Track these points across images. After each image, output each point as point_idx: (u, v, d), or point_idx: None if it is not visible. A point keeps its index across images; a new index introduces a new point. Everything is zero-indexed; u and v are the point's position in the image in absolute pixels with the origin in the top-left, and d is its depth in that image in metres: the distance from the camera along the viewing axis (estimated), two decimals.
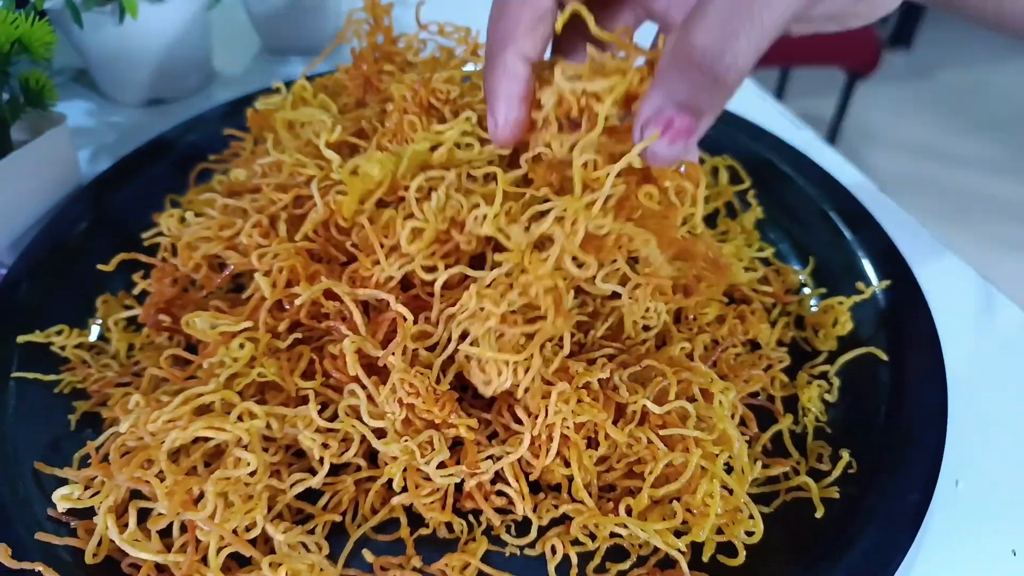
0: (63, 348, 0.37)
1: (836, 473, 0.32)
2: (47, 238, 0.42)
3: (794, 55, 1.95)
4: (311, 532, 0.31)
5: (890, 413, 0.34)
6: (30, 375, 0.36)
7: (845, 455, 0.32)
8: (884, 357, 0.36)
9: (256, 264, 0.33)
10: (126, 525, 0.28)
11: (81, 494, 0.29)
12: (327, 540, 0.31)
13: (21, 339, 0.37)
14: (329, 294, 0.33)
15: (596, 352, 0.35)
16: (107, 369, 0.37)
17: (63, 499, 0.29)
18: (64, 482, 0.31)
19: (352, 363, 0.31)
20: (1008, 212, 1.85)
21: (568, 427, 0.30)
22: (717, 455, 0.30)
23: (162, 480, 0.28)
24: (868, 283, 0.39)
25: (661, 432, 0.30)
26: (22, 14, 0.41)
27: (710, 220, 0.45)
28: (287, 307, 0.33)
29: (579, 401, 0.30)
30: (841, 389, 0.36)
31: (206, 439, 0.30)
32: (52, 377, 0.36)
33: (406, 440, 0.30)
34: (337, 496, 0.32)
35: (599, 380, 0.32)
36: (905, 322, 0.37)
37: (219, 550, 0.28)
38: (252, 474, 0.29)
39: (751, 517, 0.30)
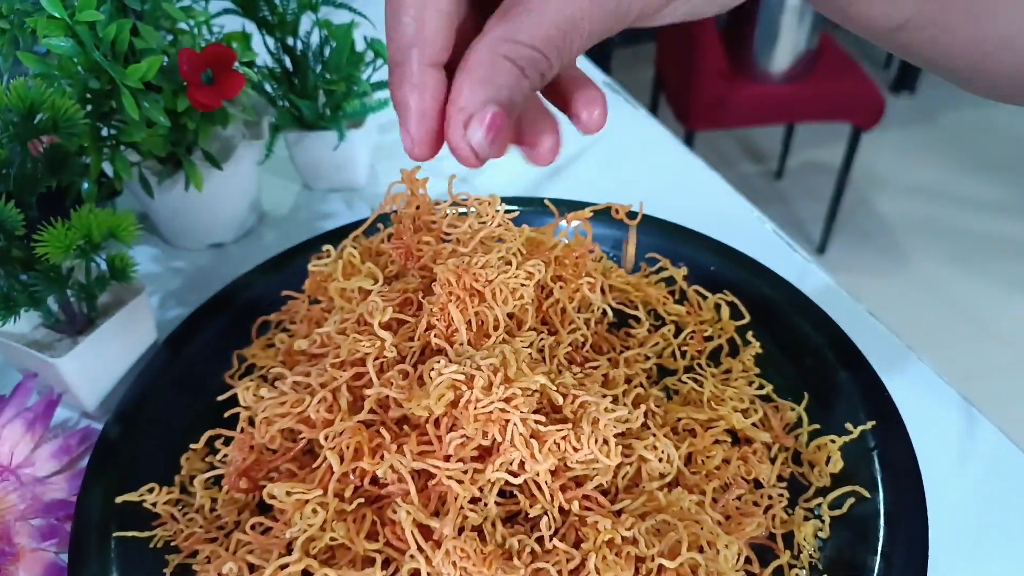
0: (154, 505, 0.43)
1: None
2: (133, 397, 0.48)
3: (800, 113, 2.02)
4: None
5: (876, 548, 0.39)
6: (129, 534, 0.41)
7: None
8: (867, 495, 0.41)
9: (323, 443, 0.39)
10: None
11: None
12: None
13: (119, 499, 0.43)
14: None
15: (620, 502, 0.40)
16: (193, 524, 0.42)
17: None
18: None
19: (409, 532, 0.36)
20: (1017, 252, 1.89)
21: None
22: None
23: None
24: (858, 421, 0.45)
25: None
26: (110, 206, 0.47)
27: (714, 356, 0.51)
28: (351, 475, 0.39)
29: (604, 558, 0.36)
30: (832, 525, 0.41)
31: None
32: (147, 534, 0.42)
33: None
34: None
35: (622, 536, 0.37)
36: (890, 460, 0.43)
37: None
38: None
39: None
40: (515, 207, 0.52)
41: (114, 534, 0.41)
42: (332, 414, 0.41)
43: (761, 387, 0.48)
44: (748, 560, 0.40)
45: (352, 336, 0.42)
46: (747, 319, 0.52)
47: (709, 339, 0.52)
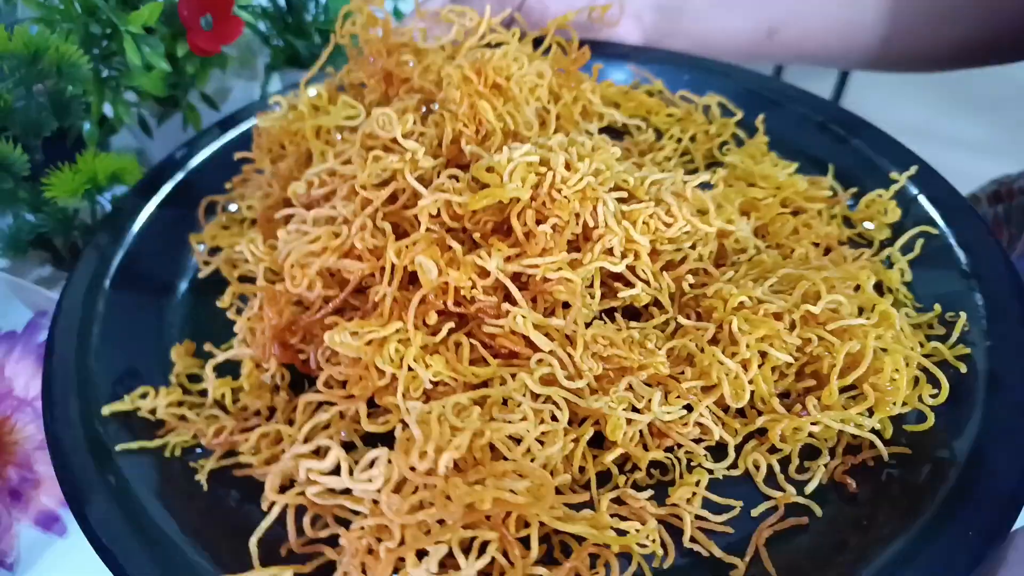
0: (153, 411, 0.33)
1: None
2: (78, 302, 0.37)
3: None
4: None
5: (964, 272, 0.38)
6: (135, 445, 0.31)
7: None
8: (934, 231, 0.40)
9: (395, 259, 0.31)
10: None
11: None
12: None
13: (106, 409, 0.32)
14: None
15: (723, 273, 0.36)
16: (215, 420, 0.33)
17: None
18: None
19: (535, 334, 0.30)
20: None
21: (749, 345, 0.31)
22: (882, 335, 0.32)
23: None
24: (888, 180, 0.43)
25: (828, 327, 0.32)
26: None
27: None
28: (431, 298, 0.32)
29: (746, 320, 0.32)
30: (912, 266, 0.40)
31: None
32: (158, 443, 0.32)
33: (613, 395, 0.30)
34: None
35: (751, 298, 0.33)
36: (938, 197, 0.42)
37: None
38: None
39: (931, 381, 0.32)
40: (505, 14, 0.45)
41: (117, 447, 0.31)
42: (380, 240, 0.33)
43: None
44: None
45: (372, 155, 0.35)
46: (740, 115, 0.50)
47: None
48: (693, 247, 0.36)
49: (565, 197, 0.32)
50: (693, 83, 0.52)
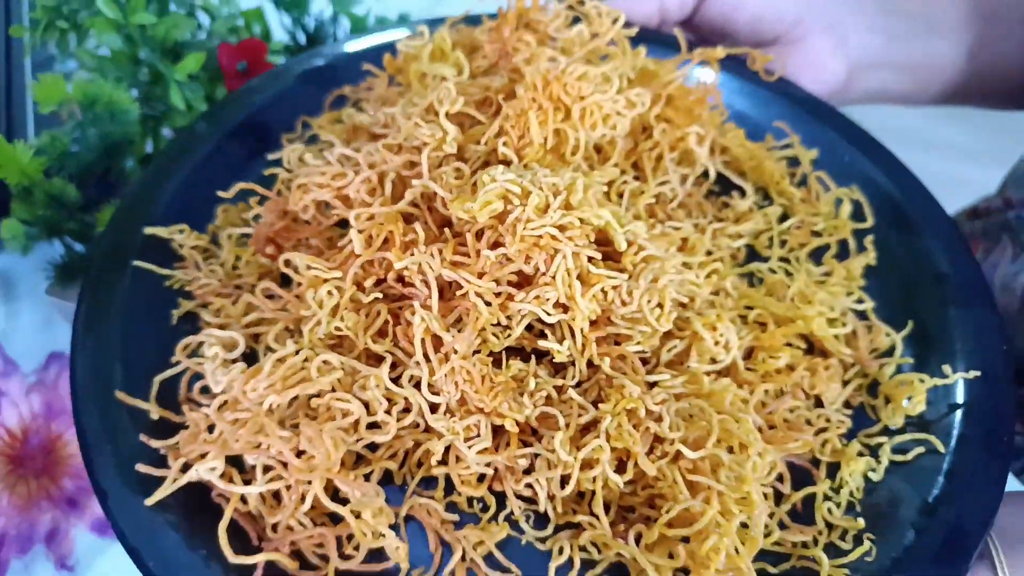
0: (181, 246, 0.41)
1: (852, 557, 0.32)
2: (186, 137, 0.45)
3: None
4: (367, 477, 0.34)
5: (930, 512, 0.34)
6: (147, 265, 0.40)
7: (867, 542, 0.33)
8: (942, 449, 0.35)
9: (354, 223, 0.35)
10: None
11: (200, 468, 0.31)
12: None
13: (148, 230, 0.41)
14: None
15: (657, 374, 0.35)
16: (213, 276, 0.40)
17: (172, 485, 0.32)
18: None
19: (419, 340, 0.33)
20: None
21: (601, 447, 0.31)
22: (735, 514, 0.30)
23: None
24: (957, 367, 0.38)
25: (689, 476, 0.31)
26: None
27: (817, 255, 0.44)
28: (376, 266, 0.35)
29: (619, 426, 0.32)
30: (889, 470, 0.36)
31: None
32: (166, 271, 0.40)
33: (454, 421, 0.32)
34: (392, 449, 0.35)
35: (646, 409, 0.33)
36: (978, 419, 0.36)
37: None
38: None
39: None
40: (636, 26, 0.44)
41: (132, 262, 0.39)
42: (372, 197, 0.37)
43: (860, 301, 0.42)
44: (780, 478, 0.35)
45: (414, 121, 0.38)
46: (869, 223, 0.45)
47: (818, 235, 0.45)
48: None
49: (521, 237, 0.33)
50: (846, 160, 0.47)
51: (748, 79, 0.50)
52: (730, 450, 0.32)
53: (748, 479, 0.31)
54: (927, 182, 0.45)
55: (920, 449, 0.36)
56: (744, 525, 0.31)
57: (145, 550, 0.31)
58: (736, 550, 0.30)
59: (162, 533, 0.31)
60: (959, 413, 0.37)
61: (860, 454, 0.36)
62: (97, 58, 0.47)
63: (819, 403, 0.38)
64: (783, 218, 0.45)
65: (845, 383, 0.39)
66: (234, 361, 0.35)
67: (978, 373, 0.37)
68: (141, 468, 0.32)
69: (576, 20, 0.45)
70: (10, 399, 0.48)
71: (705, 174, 0.44)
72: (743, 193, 0.45)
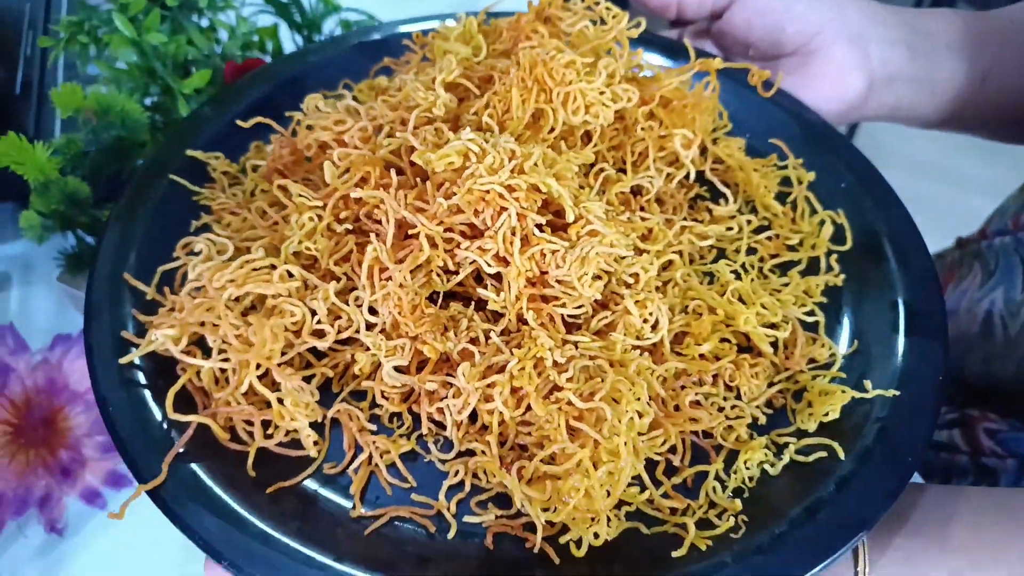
0: (215, 170, 0.48)
1: (718, 531, 0.34)
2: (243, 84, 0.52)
3: None
4: (308, 381, 0.39)
5: (811, 511, 0.35)
6: (180, 180, 0.46)
7: (737, 521, 0.34)
8: (841, 456, 0.36)
9: (335, 160, 0.40)
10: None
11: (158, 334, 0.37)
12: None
13: (189, 152, 0.47)
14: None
15: (577, 335, 0.38)
16: (233, 199, 0.46)
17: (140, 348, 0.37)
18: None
19: (366, 266, 0.37)
20: None
21: (501, 392, 0.35)
22: (604, 462, 0.33)
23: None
24: (887, 383, 0.39)
25: (572, 422, 0.34)
26: None
27: (784, 268, 0.46)
28: (353, 205, 0.40)
29: (522, 368, 0.35)
30: (787, 468, 0.37)
31: None
32: (196, 188, 0.46)
33: (381, 339, 0.37)
34: (335, 360, 0.39)
35: (553, 360, 0.36)
36: (890, 438, 0.37)
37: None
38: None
39: (608, 523, 0.33)
40: (640, 28, 0.47)
41: (169, 175, 0.46)
42: (364, 145, 0.42)
43: (812, 314, 0.43)
44: (673, 449, 0.37)
45: (414, 85, 0.43)
46: (847, 246, 0.46)
47: (793, 250, 0.46)
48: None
49: (469, 189, 0.37)
50: (844, 192, 0.48)
51: (765, 99, 0.52)
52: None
53: (622, 432, 0.33)
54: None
55: (822, 453, 0.37)
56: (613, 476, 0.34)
57: (112, 400, 0.37)
58: (593, 493, 0.33)
59: (129, 389, 0.37)
60: (874, 428, 0.38)
61: (766, 448, 0.38)
62: (114, 70, 0.54)
63: (740, 397, 0.40)
64: (763, 230, 0.47)
65: (772, 384, 0.40)
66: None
67: (897, 393, 0.38)
68: (124, 334, 0.38)
69: (603, 22, 0.49)
70: (17, 374, 0.54)
71: (689, 176, 0.47)
72: (725, 200, 0.47)
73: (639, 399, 0.35)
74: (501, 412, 0.35)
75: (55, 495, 0.50)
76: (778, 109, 0.52)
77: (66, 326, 0.58)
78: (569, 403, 0.35)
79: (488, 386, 0.35)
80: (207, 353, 0.37)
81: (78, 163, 0.52)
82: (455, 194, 0.38)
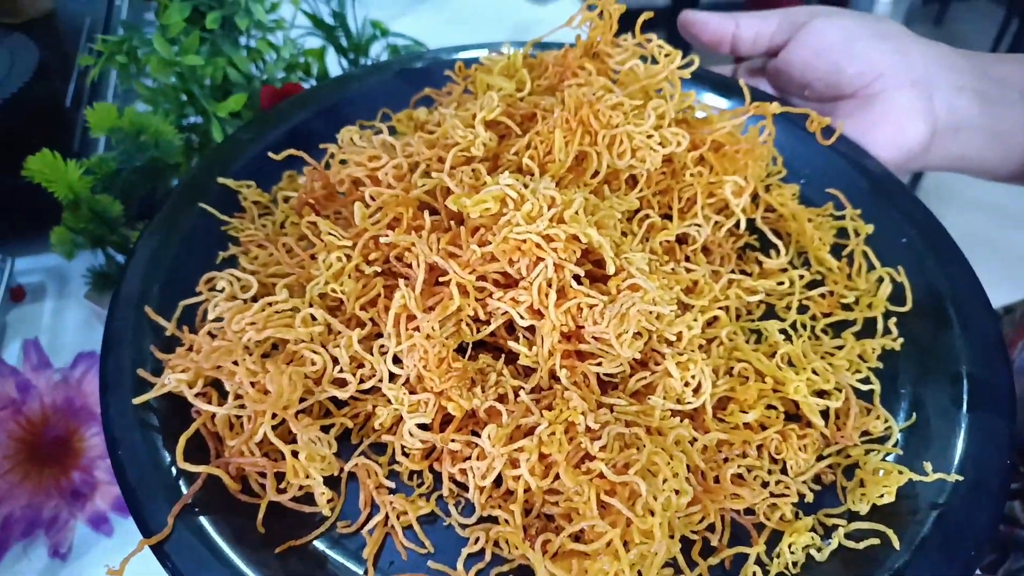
0: (245, 199, 0.46)
1: None
2: (276, 112, 0.51)
3: None
4: (326, 430, 0.37)
5: None
6: (210, 209, 0.45)
7: None
8: (897, 546, 0.33)
9: (366, 198, 0.38)
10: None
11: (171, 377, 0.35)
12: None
13: (220, 180, 0.46)
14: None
15: (612, 397, 0.36)
16: (262, 230, 0.45)
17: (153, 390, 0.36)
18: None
19: (393, 313, 0.35)
20: None
21: (528, 459, 0.32)
22: (636, 543, 0.31)
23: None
24: (947, 464, 0.36)
25: (603, 496, 0.32)
26: None
27: (838, 329, 0.43)
28: (385, 247, 0.38)
29: (552, 434, 0.33)
30: (836, 554, 0.34)
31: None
32: (225, 218, 0.45)
33: (404, 393, 0.35)
34: (356, 410, 0.38)
35: (586, 425, 0.33)
36: (947, 529, 0.34)
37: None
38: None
39: None
40: (693, 68, 0.45)
41: (199, 203, 0.45)
42: (398, 183, 0.40)
43: (867, 381, 0.40)
44: (711, 528, 0.34)
45: (453, 122, 0.41)
46: (907, 307, 0.43)
47: (848, 308, 0.43)
48: None
49: (504, 238, 0.35)
50: (905, 247, 0.45)
51: (827, 145, 0.49)
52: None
53: (657, 511, 0.31)
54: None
55: (875, 540, 0.34)
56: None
57: (122, 441, 0.35)
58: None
59: (139, 430, 0.35)
60: (932, 515, 0.34)
61: (812, 530, 0.35)
62: (151, 90, 0.54)
63: (785, 472, 0.37)
64: (816, 285, 0.44)
65: (822, 458, 0.37)
66: (246, 302, 0.39)
67: (960, 477, 0.35)
68: (141, 373, 0.37)
69: (645, 59, 0.46)
70: (37, 391, 0.53)
71: (739, 225, 0.44)
72: (777, 251, 0.45)
73: (677, 475, 0.32)
74: (527, 480, 0.32)
75: (63, 517, 0.49)
76: (836, 155, 0.49)
77: (91, 343, 0.57)
78: (601, 475, 0.32)
79: (515, 451, 0.33)
80: (225, 395, 0.36)
81: (110, 182, 0.52)
82: (489, 242, 0.36)
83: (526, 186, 0.36)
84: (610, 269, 0.37)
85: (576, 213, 0.36)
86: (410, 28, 0.62)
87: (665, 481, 0.32)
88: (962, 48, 0.51)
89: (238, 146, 0.49)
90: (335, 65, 0.62)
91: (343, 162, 0.42)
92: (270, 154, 0.46)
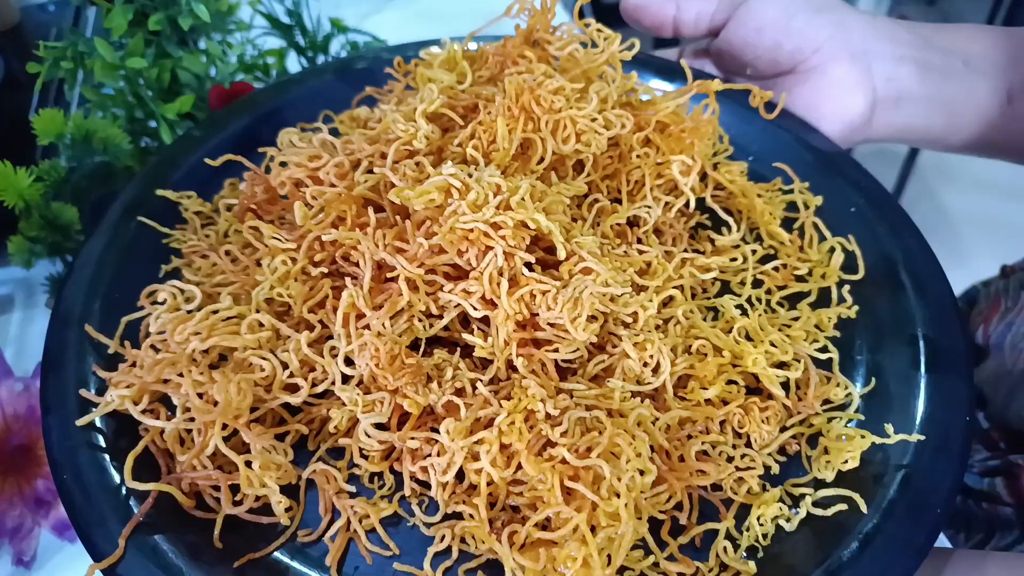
0: (186, 209, 0.45)
1: None
2: (212, 120, 0.49)
3: None
4: (281, 439, 0.36)
5: (833, 572, 0.32)
6: (149, 222, 0.43)
7: None
8: (864, 510, 0.33)
9: (308, 199, 0.37)
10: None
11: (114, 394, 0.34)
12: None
13: (159, 192, 0.45)
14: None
15: (572, 382, 0.36)
16: (205, 240, 0.44)
17: (97, 410, 0.34)
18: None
19: (341, 313, 0.35)
20: None
21: (489, 451, 0.32)
22: (603, 527, 0.30)
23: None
24: (909, 426, 0.36)
25: (567, 482, 0.31)
26: None
27: (793, 301, 0.43)
28: (330, 246, 0.38)
29: (512, 423, 0.32)
30: (804, 522, 0.34)
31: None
32: (166, 230, 0.44)
33: (358, 393, 0.34)
34: (310, 415, 0.36)
35: (546, 412, 0.33)
36: (915, 489, 0.34)
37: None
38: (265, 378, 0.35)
39: None
40: (635, 51, 0.45)
41: (138, 217, 0.43)
42: (341, 181, 0.39)
43: (825, 350, 0.40)
44: (679, 506, 0.34)
45: (393, 117, 0.40)
46: (860, 275, 0.43)
47: (802, 280, 0.43)
48: None
49: (451, 228, 0.34)
50: (854, 217, 0.45)
51: (769, 121, 0.49)
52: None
53: (623, 494, 0.30)
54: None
55: (842, 506, 0.34)
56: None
57: (66, 464, 0.34)
58: (591, 563, 0.30)
59: (84, 452, 0.34)
60: (897, 476, 0.34)
61: (781, 500, 0.35)
62: (99, 95, 0.53)
63: (750, 444, 0.37)
64: (769, 259, 0.44)
65: (785, 429, 0.37)
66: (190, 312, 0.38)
67: (922, 437, 0.35)
68: (83, 393, 0.35)
69: (588, 44, 0.46)
70: None
71: (688, 205, 0.44)
72: (728, 228, 0.45)
73: (640, 455, 0.32)
74: (489, 473, 0.32)
75: (27, 525, 0.47)
76: (780, 130, 0.49)
77: None
78: (563, 461, 0.32)
79: (475, 443, 0.32)
80: (173, 411, 0.34)
81: (61, 189, 0.50)
82: (436, 234, 0.35)
83: (470, 175, 0.36)
84: (561, 254, 0.36)
85: (523, 199, 0.35)
86: (382, 25, 0.61)
87: (628, 462, 0.31)
88: None
89: (176, 156, 0.47)
90: (296, 65, 0.61)
91: (283, 164, 0.41)
92: (207, 160, 0.45)
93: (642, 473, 0.31)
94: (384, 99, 0.50)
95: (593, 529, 0.30)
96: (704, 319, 0.40)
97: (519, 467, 0.32)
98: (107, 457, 0.34)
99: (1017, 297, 0.53)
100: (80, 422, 0.34)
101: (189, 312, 0.37)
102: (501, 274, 0.35)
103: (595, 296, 0.35)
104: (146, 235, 0.43)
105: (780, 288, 0.43)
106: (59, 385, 0.36)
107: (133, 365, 0.35)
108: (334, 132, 0.50)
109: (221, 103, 0.51)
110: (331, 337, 0.37)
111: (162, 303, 0.37)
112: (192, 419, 0.33)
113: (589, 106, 0.40)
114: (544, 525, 0.31)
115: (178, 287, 0.38)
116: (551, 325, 0.35)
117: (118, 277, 0.41)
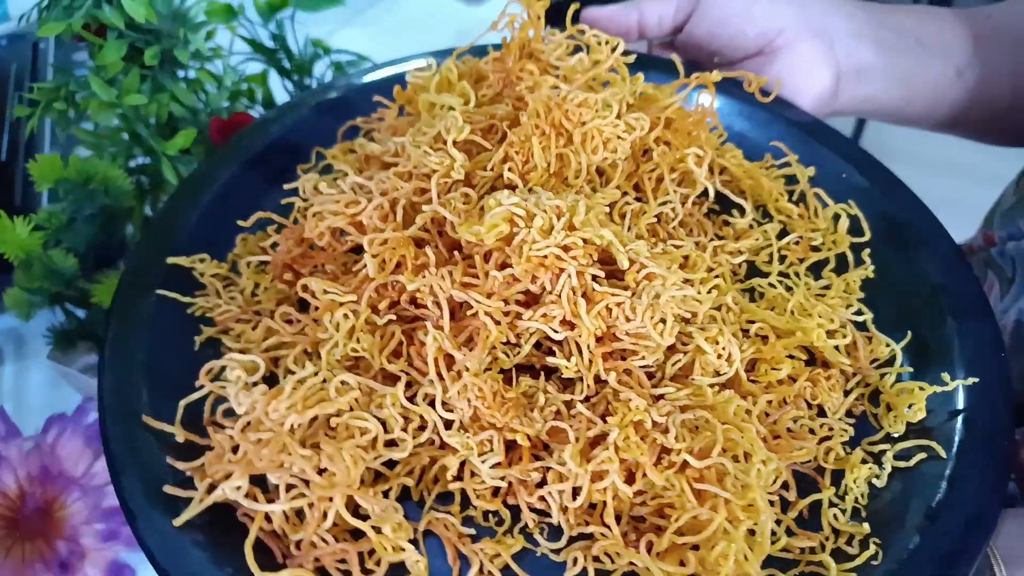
0: (202, 274, 0.43)
1: (859, 561, 0.33)
2: (205, 172, 0.47)
3: None
4: (385, 494, 0.35)
5: (933, 517, 0.34)
6: (171, 294, 0.41)
7: (873, 546, 0.33)
8: (943, 455, 0.36)
9: (367, 248, 0.36)
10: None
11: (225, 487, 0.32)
12: None
13: (170, 260, 0.42)
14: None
15: (662, 387, 0.37)
16: (233, 302, 0.42)
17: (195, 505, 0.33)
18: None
19: (431, 359, 0.34)
20: None
21: (611, 459, 0.33)
22: (742, 520, 0.31)
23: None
24: (956, 375, 0.39)
25: (696, 485, 0.32)
26: None
27: (816, 269, 0.45)
28: (389, 289, 0.37)
29: (626, 438, 0.33)
30: (892, 476, 0.37)
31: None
32: (188, 299, 0.41)
33: (467, 437, 0.34)
34: (409, 466, 0.36)
35: (652, 421, 0.34)
36: (977, 426, 0.37)
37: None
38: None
39: None
40: (634, 53, 0.46)
41: (156, 291, 0.41)
42: (385, 223, 0.38)
43: (860, 312, 0.43)
44: (785, 486, 0.36)
45: (423, 149, 0.39)
46: (867, 237, 0.46)
47: (816, 250, 0.46)
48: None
49: (527, 257, 0.35)
50: (846, 183, 0.48)
51: (746, 101, 0.51)
52: (735, 459, 0.33)
53: (754, 486, 0.32)
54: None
55: (922, 455, 0.37)
56: (751, 532, 0.32)
57: (174, 570, 0.32)
58: (744, 556, 0.31)
59: (190, 553, 0.32)
60: (959, 420, 0.38)
61: (864, 461, 0.37)
62: (95, 135, 0.50)
63: (822, 412, 0.39)
64: (782, 234, 0.47)
65: (847, 393, 0.40)
66: (255, 384, 0.36)
67: (976, 380, 0.38)
68: (169, 490, 0.33)
69: (577, 49, 0.47)
70: (9, 463, 0.48)
71: (705, 193, 0.45)
72: (743, 211, 0.47)
73: (753, 445, 0.33)
74: (619, 490, 0.33)
75: None
76: (759, 110, 0.52)
77: (59, 405, 0.52)
78: (686, 464, 0.33)
79: (599, 464, 0.33)
80: (266, 490, 0.33)
81: (62, 235, 0.48)
82: (509, 264, 0.35)
83: (525, 200, 0.36)
84: (623, 263, 0.37)
85: (585, 217, 0.36)
86: (349, 41, 0.59)
87: (747, 456, 0.33)
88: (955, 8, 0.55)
89: (172, 217, 0.45)
90: (279, 88, 0.58)
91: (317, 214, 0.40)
92: (240, 222, 0.43)
93: (764, 463, 0.33)
94: (376, 127, 0.49)
95: (731, 525, 0.32)
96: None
97: (642, 477, 0.33)
98: (209, 552, 0.33)
99: (984, 276, 0.56)
100: (178, 522, 0.32)
101: (255, 384, 0.36)
102: (575, 293, 0.35)
103: (673, 299, 0.36)
104: (167, 307, 0.41)
105: (801, 260, 0.45)
106: (135, 489, 0.34)
107: (223, 451, 0.33)
108: (327, 168, 0.48)
109: (222, 135, 0.49)
110: (411, 384, 0.36)
111: (234, 381, 0.35)
112: (303, 495, 0.32)
113: (611, 114, 0.41)
114: (678, 530, 0.32)
115: (238, 360, 0.37)
116: (628, 335, 0.36)
117: (152, 359, 0.39)
